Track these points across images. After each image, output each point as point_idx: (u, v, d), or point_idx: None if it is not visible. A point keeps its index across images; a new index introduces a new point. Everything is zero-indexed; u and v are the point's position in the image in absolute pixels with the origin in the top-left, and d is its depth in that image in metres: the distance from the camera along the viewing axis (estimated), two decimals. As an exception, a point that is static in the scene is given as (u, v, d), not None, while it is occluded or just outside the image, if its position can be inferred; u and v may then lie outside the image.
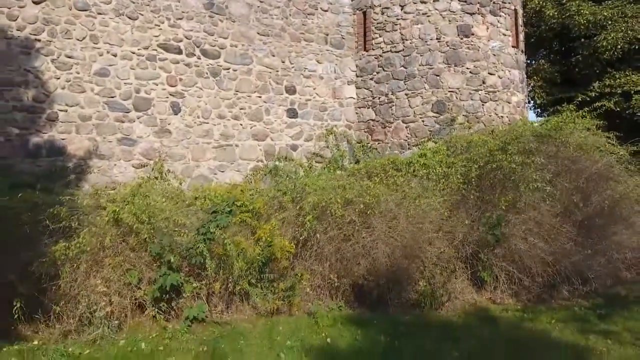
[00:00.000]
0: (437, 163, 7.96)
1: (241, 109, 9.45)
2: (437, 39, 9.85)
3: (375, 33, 10.45)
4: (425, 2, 9.93)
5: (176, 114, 8.77)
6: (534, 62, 15.20)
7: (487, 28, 10.06)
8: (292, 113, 10.03)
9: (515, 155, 6.92)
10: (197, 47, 9.00)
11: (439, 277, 6.26)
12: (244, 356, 4.44)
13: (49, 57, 7.72)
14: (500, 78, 10.14)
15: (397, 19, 10.13)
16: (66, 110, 7.84)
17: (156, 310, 5.28)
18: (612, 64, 13.75)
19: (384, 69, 10.33)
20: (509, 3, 10.46)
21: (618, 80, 13.30)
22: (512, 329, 5.34)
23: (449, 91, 9.77)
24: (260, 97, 9.65)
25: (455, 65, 9.79)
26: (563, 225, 6.82)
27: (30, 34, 7.59)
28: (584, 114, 8.23)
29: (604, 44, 13.05)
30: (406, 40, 10.05)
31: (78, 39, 7.92)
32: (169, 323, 5.32)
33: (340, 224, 6.23)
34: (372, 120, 10.50)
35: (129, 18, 8.37)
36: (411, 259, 6.17)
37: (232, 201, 5.93)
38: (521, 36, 11.05)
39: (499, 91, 10.06)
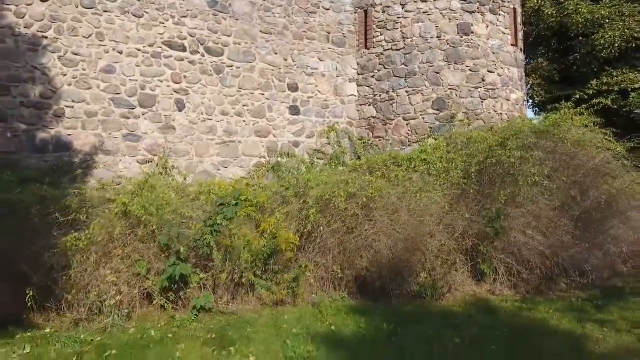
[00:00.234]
0: (438, 159, 8.11)
1: (244, 105, 9.58)
2: (437, 37, 9.99)
3: (377, 31, 10.59)
4: (425, 1, 10.08)
5: (180, 111, 8.90)
6: (532, 60, 15.35)
7: (487, 27, 10.20)
8: (295, 110, 10.17)
9: (514, 150, 7.07)
10: (201, 44, 9.13)
11: (439, 269, 6.40)
12: (251, 343, 4.57)
13: (56, 54, 7.84)
14: (500, 76, 10.28)
15: (398, 18, 10.27)
16: (73, 107, 7.97)
17: (164, 300, 5.41)
18: (610, 62, 13.92)
19: (385, 67, 10.47)
20: (508, 2, 10.61)
21: (615, 78, 13.47)
22: (511, 318, 5.49)
23: (449, 89, 9.92)
24: (263, 94, 9.79)
25: (455, 63, 9.93)
26: (561, 219, 6.96)
27: (38, 31, 7.71)
28: (581, 111, 8.40)
29: (602, 42, 13.21)
30: (407, 38, 10.19)
31: (84, 37, 8.05)
32: (177, 313, 5.45)
33: (344, 217, 6.36)
34: (373, 117, 10.64)
35: (134, 16, 8.50)
36: (412, 251, 6.30)
37: (238, 194, 6.06)
38: (520, 35, 11.20)
39: (498, 89, 10.20)
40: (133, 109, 8.46)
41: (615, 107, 13.24)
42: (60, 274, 5.12)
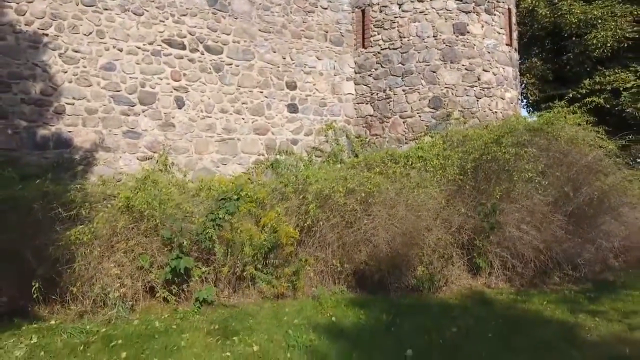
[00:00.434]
0: (434, 156, 8.27)
1: (243, 103, 9.68)
2: (433, 36, 10.15)
3: (374, 31, 10.73)
4: (422, 1, 10.23)
5: (180, 108, 8.98)
6: (526, 60, 15.56)
7: (482, 26, 10.37)
8: (293, 108, 10.28)
9: (509, 147, 7.22)
10: (201, 42, 9.22)
11: (436, 263, 6.53)
12: (253, 333, 4.68)
13: (57, 52, 7.90)
14: (495, 75, 10.45)
15: (395, 17, 10.41)
16: (73, 104, 8.03)
17: (167, 292, 5.50)
18: (602, 61, 14.15)
19: (382, 66, 10.61)
20: (503, 2, 10.78)
21: (607, 77, 13.70)
22: (506, 309, 5.64)
23: (445, 87, 10.07)
24: (261, 92, 9.89)
25: (451, 62, 10.09)
26: (554, 215, 7.13)
27: (38, 28, 7.76)
28: (574, 109, 8.58)
29: (594, 42, 13.43)
30: (404, 37, 10.33)
31: (85, 34, 8.11)
32: (179, 305, 5.55)
33: (343, 211, 6.49)
34: (371, 115, 10.78)
35: (134, 14, 8.57)
36: (410, 245, 6.43)
37: (240, 189, 6.16)
38: (515, 34, 11.38)
39: (493, 88, 10.37)
40: (133, 106, 8.53)
41: (608, 105, 13.50)
42: (65, 267, 5.21)
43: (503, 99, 10.55)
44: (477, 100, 10.17)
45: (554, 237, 6.96)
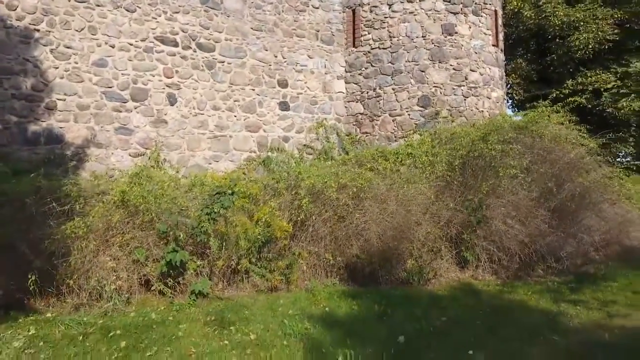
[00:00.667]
0: (423, 153, 8.48)
1: (235, 101, 9.76)
2: (422, 36, 10.36)
3: (364, 30, 10.90)
4: (411, 2, 10.43)
5: (172, 105, 9.02)
6: (512, 60, 15.93)
7: (470, 27, 10.62)
8: (284, 106, 10.39)
9: (495, 144, 7.46)
10: (193, 40, 9.27)
11: (425, 256, 6.74)
12: (250, 323, 4.80)
13: (48, 47, 7.88)
14: (482, 75, 10.72)
15: (385, 17, 10.60)
16: (64, 100, 8.01)
17: (162, 285, 5.58)
18: (584, 63, 14.60)
19: (372, 65, 10.79)
20: (490, 4, 11.06)
21: (589, 78, 14.14)
22: (493, 299, 5.86)
23: (434, 86, 10.30)
24: (253, 90, 9.98)
25: (439, 62, 10.32)
26: (539, 210, 7.38)
27: (30, 23, 7.73)
28: (557, 109, 8.88)
29: (577, 44, 13.85)
30: (393, 37, 10.53)
31: (77, 30, 8.10)
32: (175, 298, 5.63)
33: (335, 206, 6.64)
34: (361, 113, 10.95)
35: (127, 10, 8.59)
36: (400, 239, 6.61)
37: (234, 183, 6.26)
38: (501, 36, 11.67)
39: (480, 87, 10.63)
40: (125, 102, 8.54)
41: (589, 105, 13.94)
42: (60, 260, 5.25)
43: (489, 98, 10.83)
44: (465, 100, 10.42)
45: (538, 231, 7.22)
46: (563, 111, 8.86)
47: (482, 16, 10.84)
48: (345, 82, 11.23)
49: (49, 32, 7.88)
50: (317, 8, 10.92)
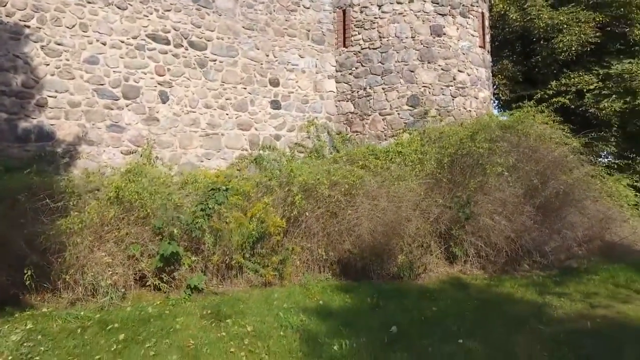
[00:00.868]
0: (413, 151, 8.66)
1: (227, 99, 9.82)
2: (412, 37, 10.56)
3: (354, 30, 11.05)
4: (401, 3, 10.62)
5: (164, 103, 9.04)
6: (498, 61, 16.26)
7: (457, 29, 10.86)
8: (276, 104, 10.48)
9: (482, 142, 7.67)
10: (185, 38, 9.31)
11: (416, 251, 6.90)
12: (245, 316, 4.89)
13: (39, 44, 7.84)
14: (469, 75, 10.96)
15: (375, 18, 10.77)
16: (55, 97, 7.98)
17: (158, 280, 5.64)
18: (568, 64, 14.98)
19: (362, 65, 10.95)
20: (477, 6, 11.31)
21: (572, 79, 14.52)
22: (481, 292, 6.05)
23: (423, 86, 10.50)
24: (245, 88, 10.05)
25: (428, 62, 10.52)
26: (524, 206, 7.62)
27: (20, 20, 7.69)
28: (542, 109, 9.16)
29: (560, 46, 14.21)
30: (383, 38, 10.70)
31: (68, 27, 8.08)
32: (170, 293, 5.69)
33: (327, 203, 6.77)
34: (351, 112, 11.10)
35: (118, 8, 8.59)
36: (391, 235, 6.76)
37: (229, 180, 6.34)
38: (487, 37, 11.94)
39: (467, 87, 10.87)
40: (117, 99, 8.54)
41: (572, 106, 14.32)
42: (55, 256, 5.27)
43: (477, 98, 11.08)
44: (453, 99, 10.64)
45: (524, 227, 7.45)
46: (547, 111, 9.14)
47: (469, 18, 11.08)
48: (336, 82, 11.37)
49: (40, 28, 7.84)
50: (308, 8, 11.04)
